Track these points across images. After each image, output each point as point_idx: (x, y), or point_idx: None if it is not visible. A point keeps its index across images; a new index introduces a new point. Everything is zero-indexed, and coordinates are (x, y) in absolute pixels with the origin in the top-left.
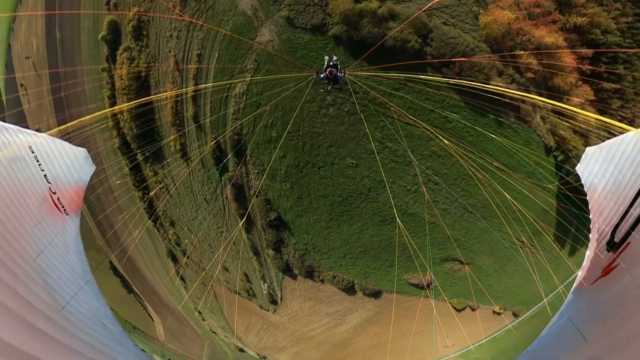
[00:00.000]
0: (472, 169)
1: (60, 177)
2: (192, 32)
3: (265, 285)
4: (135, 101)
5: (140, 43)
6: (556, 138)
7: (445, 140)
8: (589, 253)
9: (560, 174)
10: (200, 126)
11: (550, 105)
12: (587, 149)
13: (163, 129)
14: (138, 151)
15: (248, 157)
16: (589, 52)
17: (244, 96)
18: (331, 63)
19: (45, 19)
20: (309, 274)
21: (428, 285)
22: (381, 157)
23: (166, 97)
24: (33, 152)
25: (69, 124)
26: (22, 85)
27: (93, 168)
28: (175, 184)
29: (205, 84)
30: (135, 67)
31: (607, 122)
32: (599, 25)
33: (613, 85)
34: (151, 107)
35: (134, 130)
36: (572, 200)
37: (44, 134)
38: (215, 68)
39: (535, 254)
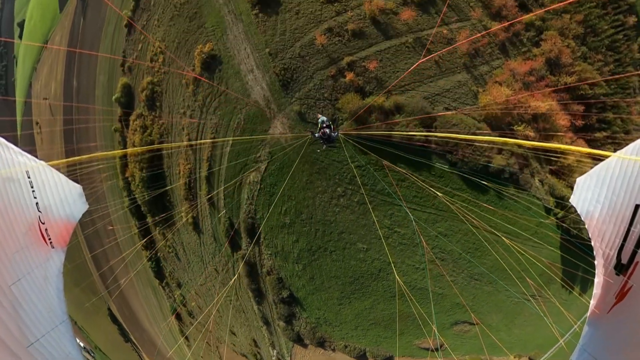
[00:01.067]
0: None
1: (52, 208)
2: (206, 115)
3: (275, 352)
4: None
5: (153, 113)
6: (555, 197)
7: (453, 205)
8: (597, 280)
9: (556, 209)
10: (213, 203)
11: (547, 167)
12: (578, 179)
13: (174, 197)
14: (149, 216)
15: (261, 240)
16: (581, 109)
17: (257, 185)
18: (324, 124)
19: (65, 67)
20: (320, 344)
21: (437, 349)
22: (390, 240)
23: (179, 171)
24: (29, 178)
25: (76, 158)
26: (37, 123)
27: (86, 207)
28: (185, 251)
29: (219, 166)
30: (148, 137)
31: (590, 152)
32: (587, 79)
33: (605, 134)
34: (162, 173)
35: (146, 196)
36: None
37: (42, 162)
38: (229, 152)
39: (546, 301)
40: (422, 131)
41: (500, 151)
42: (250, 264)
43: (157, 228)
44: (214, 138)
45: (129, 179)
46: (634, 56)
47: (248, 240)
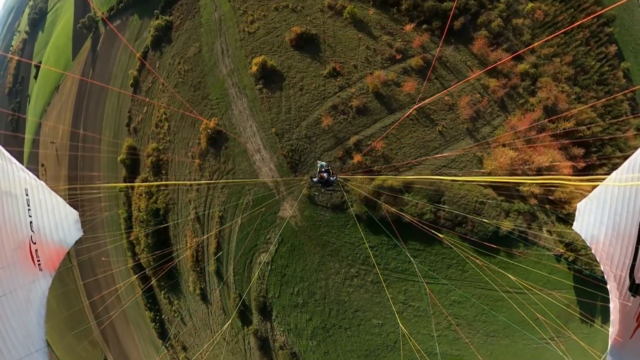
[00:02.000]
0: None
1: (45, 230)
2: (213, 191)
3: None
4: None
5: (158, 180)
6: (564, 243)
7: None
8: (612, 305)
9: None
10: (222, 277)
11: (554, 216)
12: (578, 204)
13: (180, 265)
14: (153, 279)
15: (274, 317)
16: (581, 152)
17: (269, 265)
18: (323, 169)
19: (73, 114)
20: None
21: None
22: (405, 314)
23: (186, 242)
24: (27, 195)
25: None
26: (42, 165)
27: (80, 234)
28: (191, 317)
29: (228, 245)
30: (153, 204)
31: (586, 180)
32: (584, 121)
33: (607, 169)
34: (168, 240)
35: (151, 262)
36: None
37: (43, 182)
38: (238, 231)
39: (567, 339)
40: (433, 210)
41: (507, 214)
42: (262, 338)
43: (162, 292)
44: (221, 216)
45: (133, 240)
46: (620, 83)
47: (260, 317)
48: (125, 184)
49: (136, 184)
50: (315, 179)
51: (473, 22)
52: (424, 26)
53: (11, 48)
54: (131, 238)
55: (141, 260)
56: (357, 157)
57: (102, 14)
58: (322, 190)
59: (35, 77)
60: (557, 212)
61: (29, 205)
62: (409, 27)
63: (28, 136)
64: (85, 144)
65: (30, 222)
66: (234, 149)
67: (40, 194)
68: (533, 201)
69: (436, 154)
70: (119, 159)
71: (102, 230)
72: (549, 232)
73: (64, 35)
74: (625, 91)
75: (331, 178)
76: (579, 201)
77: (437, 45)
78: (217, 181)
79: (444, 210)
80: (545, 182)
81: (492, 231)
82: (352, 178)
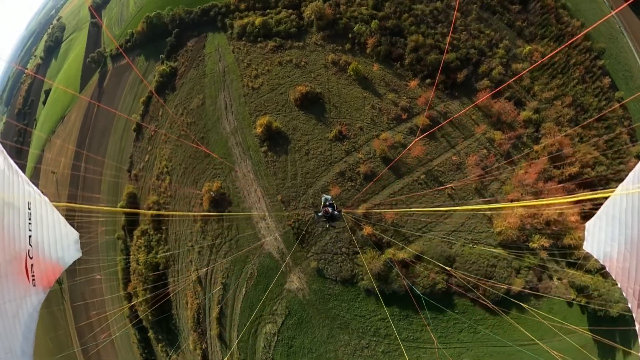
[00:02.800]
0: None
1: (44, 246)
2: (215, 255)
3: None
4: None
5: (159, 235)
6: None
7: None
8: (638, 326)
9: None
10: (224, 341)
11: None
12: (587, 224)
13: (180, 322)
14: (151, 332)
15: None
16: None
17: (275, 336)
18: (327, 203)
19: (75, 147)
20: None
21: None
22: None
23: (186, 302)
24: (29, 209)
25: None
26: (42, 192)
27: (79, 254)
28: None
29: (232, 312)
30: (152, 259)
31: (592, 196)
32: (588, 163)
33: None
34: (168, 296)
35: (150, 317)
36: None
37: (46, 198)
38: (242, 299)
39: None
40: (445, 278)
41: (518, 272)
42: None
43: (159, 345)
44: (224, 283)
45: (131, 293)
46: (618, 114)
47: None
48: (126, 210)
49: (141, 211)
50: (320, 214)
51: (475, 73)
52: (428, 80)
53: (26, 70)
54: (128, 289)
55: (139, 313)
56: (367, 229)
57: (120, 46)
58: (327, 225)
59: (44, 102)
60: (566, 258)
61: (30, 219)
62: (413, 83)
63: (30, 165)
64: (88, 165)
65: (30, 236)
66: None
67: (43, 209)
68: (543, 253)
69: (446, 219)
70: (118, 205)
71: (98, 254)
72: (560, 279)
73: (74, 67)
74: (624, 129)
75: (335, 212)
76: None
77: (442, 100)
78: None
79: (455, 277)
80: (541, 208)
81: (504, 292)
82: (358, 213)
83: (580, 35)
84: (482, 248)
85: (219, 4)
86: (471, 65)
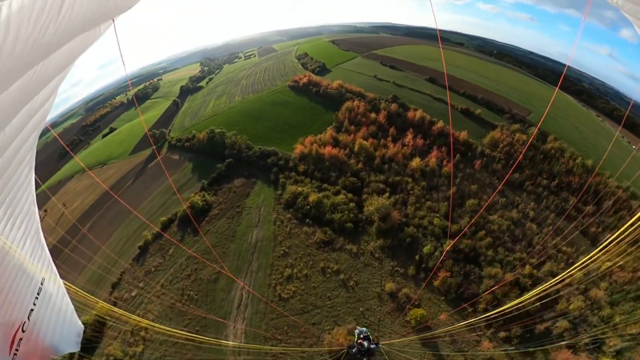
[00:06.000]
0: None
1: (41, 326)
2: None
3: None
4: None
5: None
6: None
7: None
8: None
9: None
10: None
11: None
12: None
13: None
14: None
15: None
16: None
17: None
18: (362, 335)
19: (95, 202)
20: None
21: None
22: None
23: None
24: (42, 285)
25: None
26: (45, 210)
27: (77, 348)
28: None
29: None
30: None
31: None
32: None
33: None
34: None
35: None
36: None
37: (62, 280)
38: None
39: None
40: None
41: None
42: None
43: None
44: None
45: None
46: None
47: None
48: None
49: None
50: (354, 350)
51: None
52: (502, 334)
53: (112, 101)
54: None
55: None
56: None
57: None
58: None
59: (104, 136)
60: None
61: (38, 294)
62: (486, 344)
63: (54, 178)
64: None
65: (31, 310)
66: None
67: (54, 290)
68: None
69: None
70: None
71: None
72: None
73: (139, 128)
74: None
75: (372, 346)
76: None
77: None
78: None
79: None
80: None
81: None
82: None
83: None
84: None
85: (280, 152)
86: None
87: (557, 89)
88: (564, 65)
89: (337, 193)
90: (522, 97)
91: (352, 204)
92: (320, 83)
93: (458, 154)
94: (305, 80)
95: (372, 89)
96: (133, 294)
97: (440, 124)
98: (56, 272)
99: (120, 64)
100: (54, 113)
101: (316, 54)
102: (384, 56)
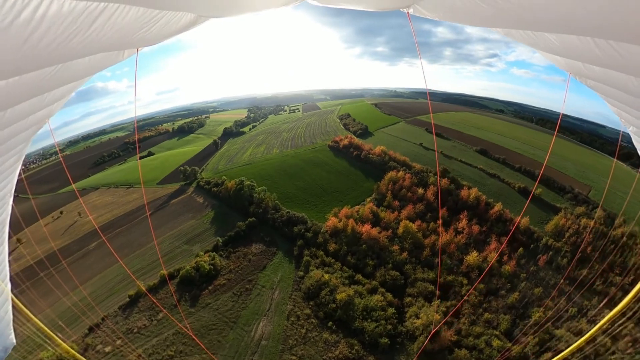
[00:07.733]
0: None
1: None
2: None
3: None
4: None
5: None
6: None
7: None
8: None
9: None
10: None
11: None
12: None
13: None
14: None
15: None
16: None
17: None
18: None
19: (113, 219)
20: None
21: None
22: None
23: None
24: None
25: None
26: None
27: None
28: None
29: None
30: None
31: None
32: None
33: None
34: None
35: None
36: None
37: (9, 291)
38: None
39: None
40: None
41: None
42: None
43: None
44: None
45: None
46: None
47: None
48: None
49: None
50: None
51: None
52: None
53: (158, 127)
54: None
55: None
56: None
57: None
58: None
59: (141, 157)
60: None
61: None
62: None
63: (74, 187)
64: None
65: None
66: None
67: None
68: None
69: None
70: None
71: None
72: None
73: (173, 161)
74: None
75: None
76: None
77: None
78: None
79: None
80: None
81: None
82: None
83: None
84: None
85: (309, 221)
86: None
87: (614, 159)
88: (617, 131)
89: (373, 291)
90: (579, 171)
91: (391, 310)
92: (362, 147)
93: (521, 248)
94: (346, 141)
95: (418, 158)
96: (107, 349)
97: (498, 206)
98: (7, 274)
99: (177, 94)
100: (107, 121)
101: (358, 115)
102: (429, 122)
